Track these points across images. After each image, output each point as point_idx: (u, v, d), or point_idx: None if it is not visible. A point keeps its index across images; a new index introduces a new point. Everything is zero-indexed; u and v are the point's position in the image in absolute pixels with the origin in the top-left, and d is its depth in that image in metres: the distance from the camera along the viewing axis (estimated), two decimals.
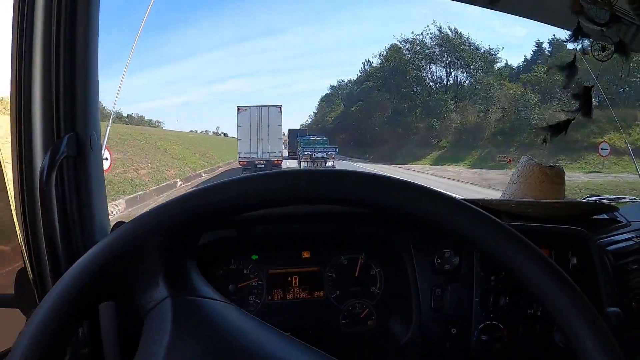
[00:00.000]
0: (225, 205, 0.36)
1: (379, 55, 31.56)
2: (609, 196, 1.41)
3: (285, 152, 19.64)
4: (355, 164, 19.77)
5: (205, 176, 12.29)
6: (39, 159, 0.57)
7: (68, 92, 0.62)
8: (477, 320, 0.70)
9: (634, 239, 0.84)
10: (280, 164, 13.25)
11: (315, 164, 15.12)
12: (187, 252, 0.39)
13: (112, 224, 0.69)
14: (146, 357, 0.32)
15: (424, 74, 26.73)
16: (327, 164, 15.23)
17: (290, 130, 24.27)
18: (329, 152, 15.97)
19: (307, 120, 51.99)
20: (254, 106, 13.32)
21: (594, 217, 0.92)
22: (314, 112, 51.48)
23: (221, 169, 15.46)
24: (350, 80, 44.73)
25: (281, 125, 13.77)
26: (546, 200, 0.84)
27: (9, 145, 0.61)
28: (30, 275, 0.60)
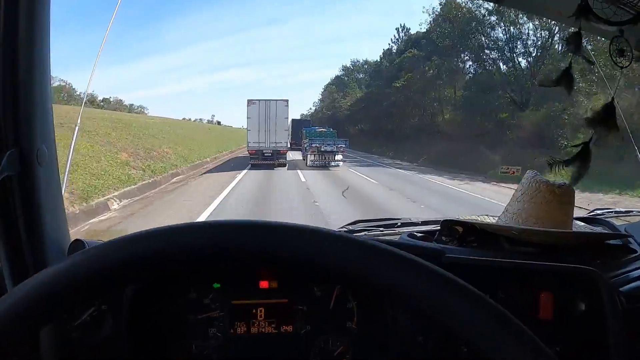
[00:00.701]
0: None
1: (430, 11, 22.85)
2: (617, 209, 1.31)
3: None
4: (391, 168, 15.36)
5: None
6: None
7: (9, 100, 0.55)
8: None
9: None
10: (285, 153, 14.54)
11: (323, 158, 14.33)
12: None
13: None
14: None
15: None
16: (335, 158, 14.36)
17: (293, 121, 22.84)
18: (339, 145, 14.71)
19: (309, 110, 50.98)
20: (262, 100, 14.52)
21: (606, 243, 0.82)
22: (319, 100, 49.57)
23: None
24: (365, 61, 41.21)
25: (287, 118, 15.00)
26: (550, 230, 0.75)
27: None
28: None
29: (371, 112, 28.08)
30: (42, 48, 0.57)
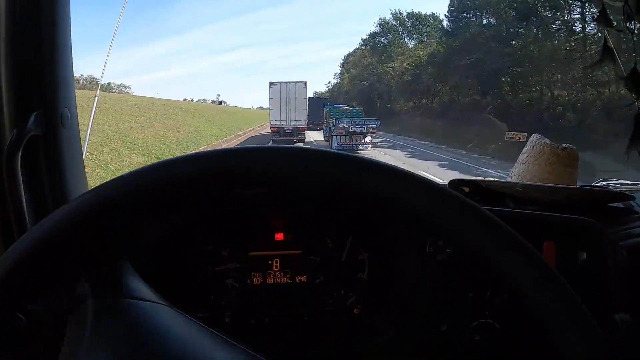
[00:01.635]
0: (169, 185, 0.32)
1: None
2: (623, 181, 1.29)
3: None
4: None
5: None
6: (7, 137, 0.56)
7: (36, 65, 0.59)
8: (471, 317, 0.64)
9: None
10: (304, 131, 15.70)
11: (352, 140, 12.91)
12: (122, 247, 0.36)
13: None
14: None
15: None
16: (365, 140, 12.99)
17: (310, 99, 20.39)
18: (369, 126, 13.03)
19: (327, 86, 46.08)
20: (283, 82, 15.89)
21: (608, 205, 0.83)
22: (338, 75, 42.33)
23: None
24: (432, 14, 28.79)
25: (306, 98, 16.19)
26: (555, 185, 0.77)
27: None
28: None
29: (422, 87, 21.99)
30: (64, 16, 0.62)
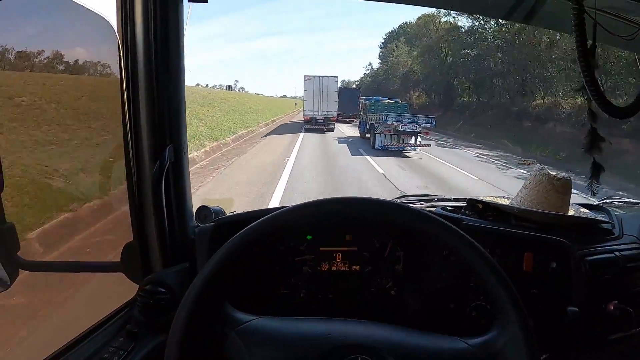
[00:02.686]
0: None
1: None
2: (628, 199, 1.43)
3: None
4: None
5: None
6: (147, 165, 0.76)
7: (166, 109, 0.77)
8: (470, 299, 0.89)
9: (615, 253, 0.96)
10: (334, 121, 18.01)
11: (401, 140, 11.15)
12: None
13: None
14: None
15: None
16: (413, 142, 11.05)
17: (341, 90, 21.01)
18: (423, 124, 11.06)
19: (353, 79, 43.48)
20: (316, 76, 18.23)
21: (593, 225, 1.02)
22: (369, 65, 40.07)
23: None
24: None
25: (337, 91, 18.35)
26: (543, 211, 0.95)
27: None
28: (138, 250, 0.80)
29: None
30: (180, 67, 0.80)
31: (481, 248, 0.57)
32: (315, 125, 17.21)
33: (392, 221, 0.59)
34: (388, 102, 15.19)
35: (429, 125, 11.24)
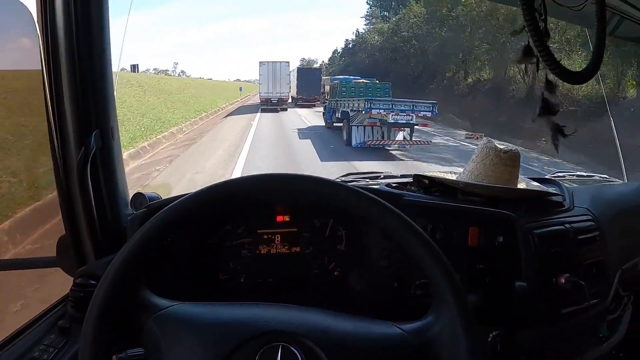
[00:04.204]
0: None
1: None
2: (579, 173, 1.47)
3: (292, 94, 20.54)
4: None
5: None
6: (74, 153, 0.72)
7: (91, 93, 0.74)
8: (414, 278, 0.87)
9: (565, 225, 0.95)
10: (287, 100, 19.63)
11: (392, 133, 8.02)
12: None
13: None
14: None
15: None
16: (409, 137, 8.10)
17: (299, 71, 21.13)
18: (421, 113, 7.94)
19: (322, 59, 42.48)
20: (270, 61, 20.07)
21: (543, 198, 1.01)
22: (350, 42, 35.38)
23: None
24: None
25: (289, 74, 20.16)
26: (488, 185, 0.94)
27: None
28: (71, 242, 0.77)
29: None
30: (105, 50, 0.75)
31: (412, 222, 0.52)
32: (271, 105, 18.81)
33: (323, 197, 0.55)
34: (363, 81, 11.43)
35: (429, 113, 7.99)
